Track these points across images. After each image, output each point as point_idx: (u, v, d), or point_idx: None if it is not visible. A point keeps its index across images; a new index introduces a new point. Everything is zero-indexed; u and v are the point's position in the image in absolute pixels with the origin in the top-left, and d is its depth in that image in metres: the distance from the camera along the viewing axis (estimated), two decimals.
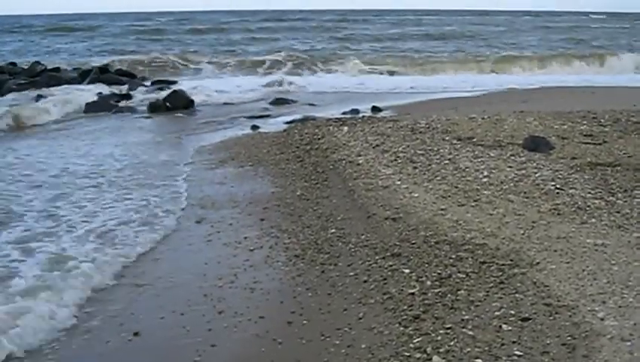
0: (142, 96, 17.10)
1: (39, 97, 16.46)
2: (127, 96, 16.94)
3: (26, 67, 22.01)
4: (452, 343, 4.04)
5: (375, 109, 13.99)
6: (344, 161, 8.67)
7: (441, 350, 3.98)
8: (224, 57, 26.29)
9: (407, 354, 4.00)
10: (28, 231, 6.68)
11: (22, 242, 6.31)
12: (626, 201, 6.66)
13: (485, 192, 7.04)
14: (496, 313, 4.39)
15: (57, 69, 21.72)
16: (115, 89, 18.26)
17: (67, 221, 6.94)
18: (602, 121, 10.39)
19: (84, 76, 20.21)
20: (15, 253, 6.04)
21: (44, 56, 25.36)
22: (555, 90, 17.61)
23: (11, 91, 17.29)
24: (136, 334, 4.57)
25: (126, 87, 18.65)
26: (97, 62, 23.77)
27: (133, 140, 11.64)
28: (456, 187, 7.27)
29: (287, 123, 12.33)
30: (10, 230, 6.70)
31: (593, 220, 6.13)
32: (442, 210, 6.57)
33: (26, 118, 13.52)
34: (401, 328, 4.33)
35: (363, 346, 4.17)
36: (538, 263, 5.14)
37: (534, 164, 7.95)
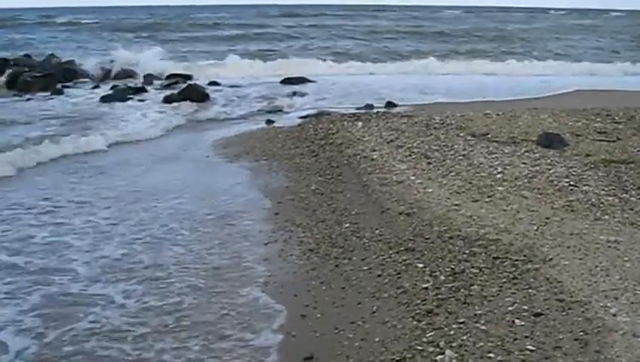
0: (157, 90, 17.18)
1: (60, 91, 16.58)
2: (142, 90, 17.00)
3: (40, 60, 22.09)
4: (465, 337, 4.08)
5: (389, 105, 13.99)
6: (358, 156, 8.70)
7: (454, 344, 4.02)
8: (240, 53, 26.23)
9: (420, 347, 4.04)
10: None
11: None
12: (639, 198, 6.67)
13: (499, 188, 7.06)
14: (509, 308, 4.42)
15: (72, 62, 21.77)
16: (131, 82, 18.34)
17: None
18: (616, 118, 10.37)
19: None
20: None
21: (54, 50, 25.34)
22: None
23: (27, 86, 17.19)
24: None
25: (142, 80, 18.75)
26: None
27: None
28: (471, 183, 7.30)
29: (302, 118, 12.36)
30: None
31: (606, 217, 6.15)
32: (456, 205, 6.60)
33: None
34: (415, 322, 4.37)
35: (376, 340, 4.23)
36: (551, 259, 5.16)
37: (548, 161, 7.96)
